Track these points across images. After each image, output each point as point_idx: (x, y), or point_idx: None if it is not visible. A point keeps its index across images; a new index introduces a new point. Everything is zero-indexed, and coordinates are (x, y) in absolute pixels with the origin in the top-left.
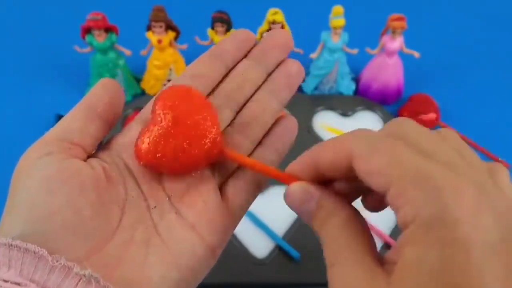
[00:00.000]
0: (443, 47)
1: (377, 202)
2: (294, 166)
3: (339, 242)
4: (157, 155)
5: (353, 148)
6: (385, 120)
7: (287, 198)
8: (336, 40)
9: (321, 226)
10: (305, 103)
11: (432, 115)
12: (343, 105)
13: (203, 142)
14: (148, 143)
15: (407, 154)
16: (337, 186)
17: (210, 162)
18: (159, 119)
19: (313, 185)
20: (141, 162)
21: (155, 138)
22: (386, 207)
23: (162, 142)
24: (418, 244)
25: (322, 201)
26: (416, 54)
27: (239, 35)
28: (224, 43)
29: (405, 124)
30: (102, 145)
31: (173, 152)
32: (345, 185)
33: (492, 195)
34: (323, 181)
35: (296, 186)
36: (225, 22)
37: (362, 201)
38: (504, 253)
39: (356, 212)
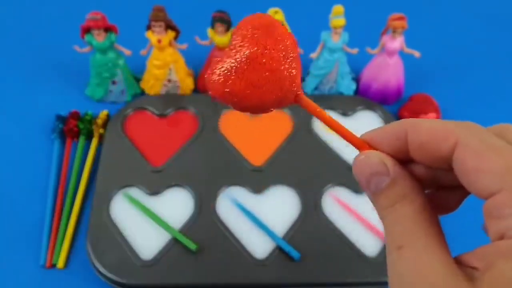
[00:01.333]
0: (444, 47)
1: (453, 202)
2: (374, 133)
3: (413, 226)
4: (226, 89)
5: (461, 137)
6: (385, 119)
7: (356, 164)
8: (336, 39)
9: (392, 205)
10: None
11: (432, 115)
12: (343, 105)
13: (280, 82)
14: (219, 74)
15: None
16: (415, 169)
17: (283, 106)
18: (234, 50)
19: (391, 159)
20: (211, 93)
21: (226, 71)
22: (456, 209)
23: (233, 76)
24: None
25: (399, 179)
26: (417, 54)
27: None
28: None
29: None
30: None
31: (244, 88)
32: (424, 171)
33: None
34: (400, 159)
35: (372, 154)
36: (225, 21)
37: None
38: None
39: (429, 201)
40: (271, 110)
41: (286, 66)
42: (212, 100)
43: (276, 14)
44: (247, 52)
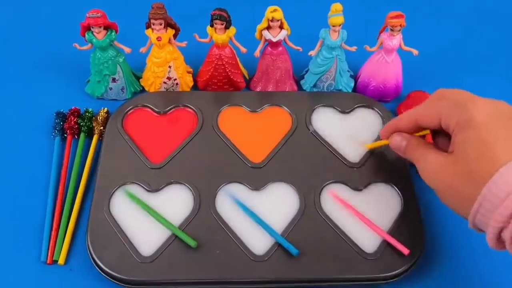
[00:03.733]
0: (442, 45)
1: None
2: (382, 132)
3: (421, 148)
4: None
5: (443, 115)
6: (384, 117)
7: (392, 143)
8: (335, 37)
9: (411, 147)
10: (304, 100)
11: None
12: (342, 102)
13: None
14: None
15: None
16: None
17: None
18: None
19: (403, 134)
20: None
21: None
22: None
23: None
24: (460, 133)
25: (410, 139)
26: (415, 52)
27: None
28: None
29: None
30: None
31: None
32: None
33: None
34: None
35: (396, 135)
36: (224, 19)
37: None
38: (502, 124)
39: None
40: None
41: None
42: None
43: (275, 11)
44: None
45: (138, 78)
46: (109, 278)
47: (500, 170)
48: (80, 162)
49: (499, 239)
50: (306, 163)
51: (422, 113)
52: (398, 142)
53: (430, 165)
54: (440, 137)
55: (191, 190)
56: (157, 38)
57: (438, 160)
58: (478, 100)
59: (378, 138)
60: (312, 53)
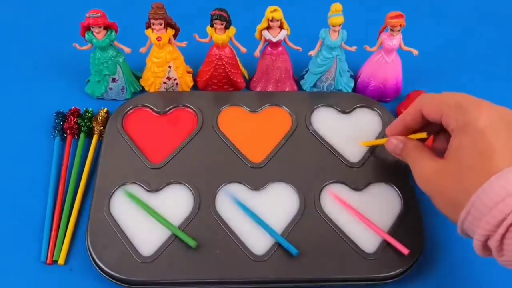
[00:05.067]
0: (442, 45)
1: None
2: (393, 126)
3: (415, 152)
4: None
5: (444, 111)
6: (384, 117)
7: (388, 146)
8: (335, 37)
9: (406, 151)
10: (303, 100)
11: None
12: (342, 102)
13: None
14: None
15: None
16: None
17: None
18: None
19: (400, 137)
20: None
21: None
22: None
23: None
24: (458, 137)
25: (406, 142)
26: (415, 52)
27: None
28: None
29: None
30: None
31: None
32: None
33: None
34: (407, 134)
35: (392, 138)
36: (224, 19)
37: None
38: (503, 132)
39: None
40: None
41: None
42: None
43: (275, 11)
44: None
45: (138, 78)
46: (109, 278)
47: (491, 178)
48: (80, 162)
49: (486, 247)
50: (306, 163)
51: (427, 104)
52: (394, 145)
53: (422, 170)
54: (442, 135)
55: (191, 190)
56: (157, 38)
57: (430, 166)
58: (483, 105)
59: (380, 138)
60: (312, 53)
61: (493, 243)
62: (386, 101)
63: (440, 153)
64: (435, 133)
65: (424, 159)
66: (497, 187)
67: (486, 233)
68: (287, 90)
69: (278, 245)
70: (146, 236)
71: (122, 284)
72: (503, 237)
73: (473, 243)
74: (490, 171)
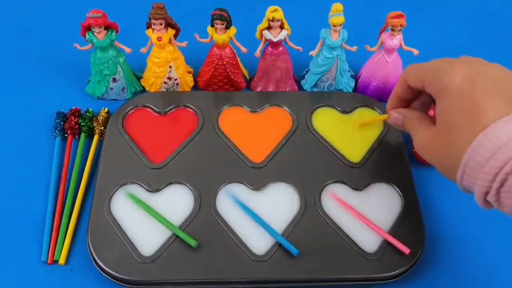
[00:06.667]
0: (442, 45)
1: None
2: (390, 101)
3: (415, 121)
4: None
5: (425, 79)
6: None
7: (389, 120)
8: (336, 37)
9: (407, 122)
10: (304, 100)
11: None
12: (342, 102)
13: None
14: None
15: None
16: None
17: None
18: None
19: (400, 109)
20: None
21: None
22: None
23: None
24: (439, 102)
25: (407, 114)
26: (415, 52)
27: None
28: None
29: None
30: None
31: None
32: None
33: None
34: (405, 105)
35: (392, 111)
36: (224, 19)
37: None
38: (479, 88)
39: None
40: None
41: None
42: None
43: (276, 11)
44: None
45: (138, 78)
46: (110, 278)
47: (478, 136)
48: (80, 162)
49: (487, 201)
50: (307, 163)
51: (410, 73)
52: (394, 118)
53: (419, 140)
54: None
55: (191, 190)
56: (157, 38)
57: (424, 135)
58: (457, 64)
59: (381, 138)
60: (312, 53)
61: (491, 198)
62: (386, 101)
63: None
64: (431, 101)
65: (421, 128)
66: (487, 143)
67: (484, 189)
68: (287, 90)
69: (278, 245)
70: (147, 236)
71: (123, 284)
72: (498, 191)
73: (475, 196)
74: (476, 128)
